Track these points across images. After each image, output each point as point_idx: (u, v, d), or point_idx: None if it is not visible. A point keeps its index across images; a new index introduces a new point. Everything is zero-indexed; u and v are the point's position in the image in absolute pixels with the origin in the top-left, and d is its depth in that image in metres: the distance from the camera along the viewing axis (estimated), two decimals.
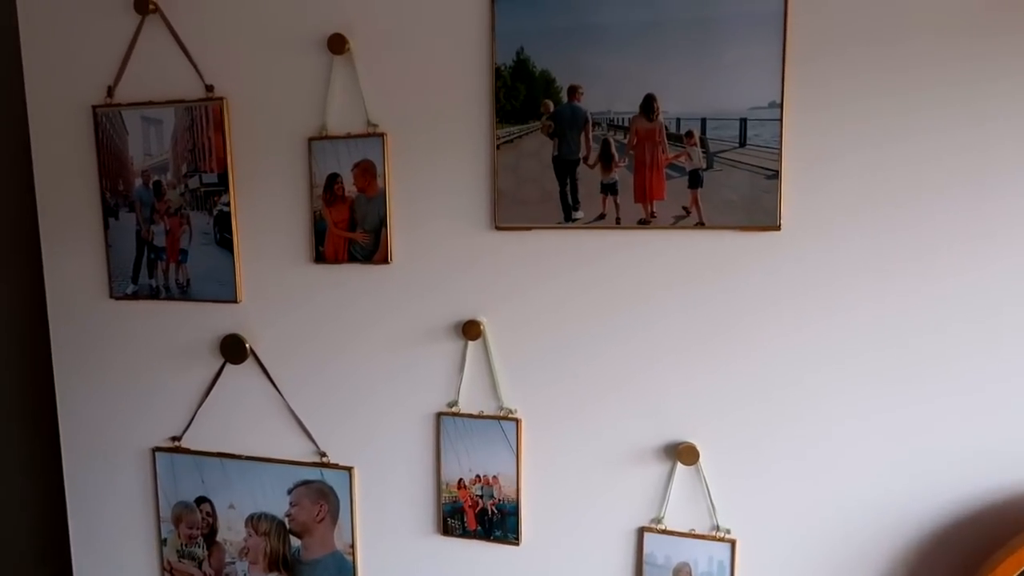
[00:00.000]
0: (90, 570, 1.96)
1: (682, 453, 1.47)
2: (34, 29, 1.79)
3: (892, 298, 1.36)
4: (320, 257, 1.66)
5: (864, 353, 1.38)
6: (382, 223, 1.61)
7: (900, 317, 1.36)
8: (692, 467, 1.49)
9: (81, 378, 1.88)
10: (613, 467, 1.54)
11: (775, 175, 1.38)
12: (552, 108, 1.49)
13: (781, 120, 1.37)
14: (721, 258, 1.43)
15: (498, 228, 1.54)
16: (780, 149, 1.37)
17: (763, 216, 1.40)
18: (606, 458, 1.55)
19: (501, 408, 1.60)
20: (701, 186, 1.42)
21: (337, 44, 1.57)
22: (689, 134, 1.42)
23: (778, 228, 1.39)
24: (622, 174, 1.46)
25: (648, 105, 1.43)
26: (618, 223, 1.47)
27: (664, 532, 1.52)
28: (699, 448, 1.47)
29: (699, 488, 1.50)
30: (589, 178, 1.48)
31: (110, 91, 1.76)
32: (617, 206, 1.47)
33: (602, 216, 1.48)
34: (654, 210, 1.45)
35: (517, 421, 1.58)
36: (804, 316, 1.40)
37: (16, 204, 2.41)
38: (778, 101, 1.37)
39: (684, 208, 1.43)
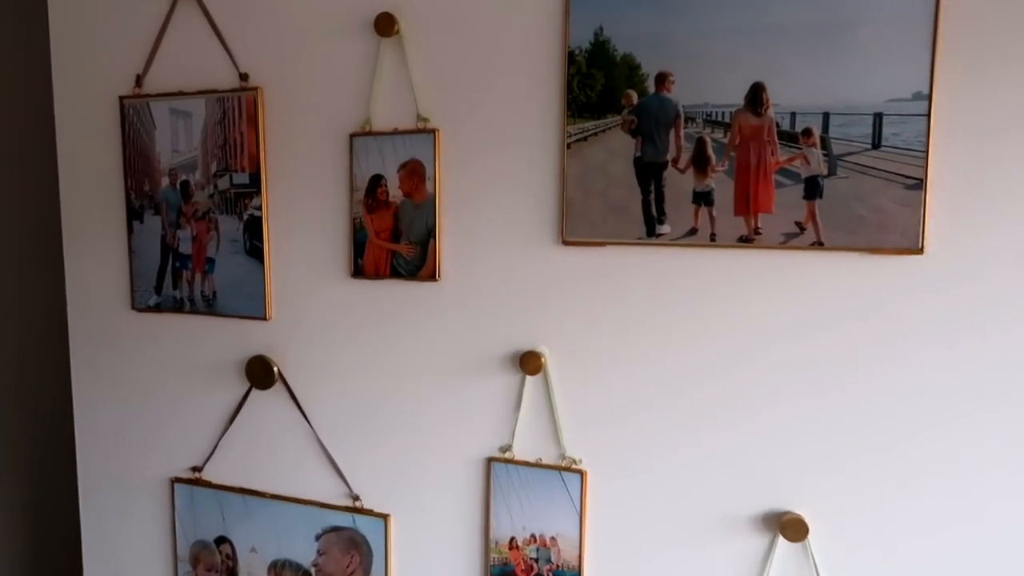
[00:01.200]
0: None
1: (786, 526, 1.17)
2: (62, 14, 1.61)
3: None
4: (359, 271, 1.42)
5: None
6: (430, 234, 1.36)
7: None
8: (798, 544, 1.19)
9: (99, 396, 1.68)
10: (696, 536, 1.25)
11: (918, 184, 1.08)
12: (635, 100, 1.21)
13: (929, 115, 1.07)
14: (844, 287, 1.13)
15: (566, 243, 1.27)
16: (927, 152, 1.07)
17: (901, 236, 1.09)
18: (688, 524, 1.26)
19: (563, 457, 1.32)
20: (820, 197, 1.13)
21: (385, 25, 1.33)
22: (807, 132, 1.13)
23: (920, 251, 1.08)
24: (720, 180, 1.18)
25: (755, 96, 1.15)
26: (713, 240, 1.19)
27: None
28: (808, 521, 1.17)
29: (807, 571, 1.19)
30: (678, 185, 1.20)
31: (138, 80, 1.56)
32: (713, 219, 1.19)
33: (693, 231, 1.20)
34: (759, 225, 1.16)
35: (582, 473, 1.30)
36: (952, 362, 1.09)
37: (39, 205, 2.27)
38: (926, 91, 1.07)
39: (798, 224, 1.14)
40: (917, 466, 1.12)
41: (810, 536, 1.17)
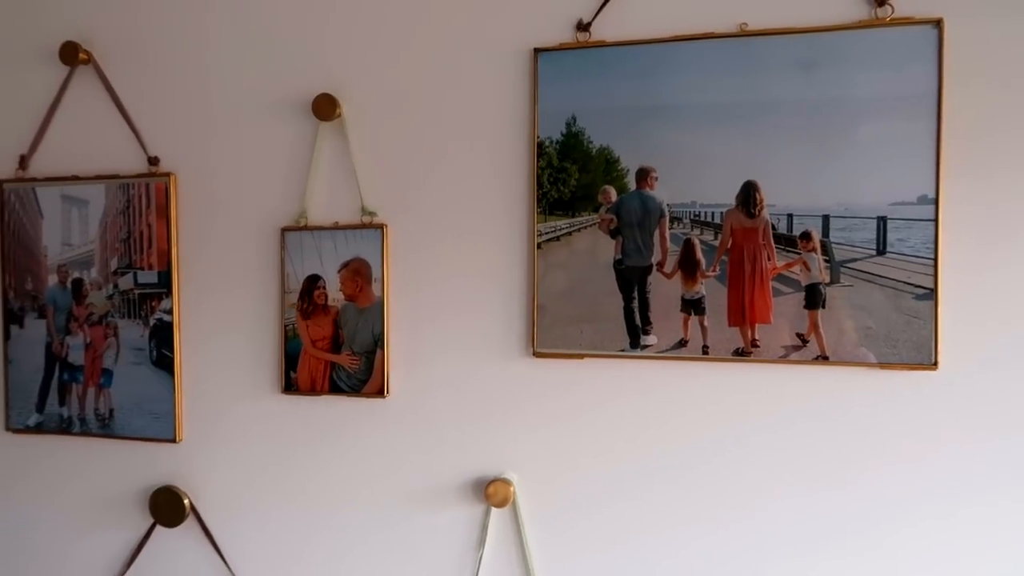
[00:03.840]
0: None
1: None
2: None
3: None
4: (291, 386, 1.17)
5: None
6: (377, 343, 1.14)
7: None
8: None
9: None
10: None
11: (929, 294, 0.96)
12: (614, 197, 1.05)
13: (936, 220, 0.95)
14: (853, 407, 0.98)
15: (537, 355, 1.08)
16: (936, 259, 0.95)
17: (913, 350, 0.96)
18: None
19: None
20: (823, 306, 0.99)
21: (325, 107, 1.13)
22: (805, 236, 1.00)
23: (935, 366, 0.95)
24: (711, 287, 1.03)
25: (748, 195, 1.01)
26: (705, 353, 1.03)
27: None
28: None
29: None
30: (665, 291, 1.04)
31: (23, 161, 1.28)
32: (704, 330, 1.03)
33: (683, 343, 1.03)
34: (756, 337, 1.01)
35: None
36: (973, 489, 0.96)
37: None
38: (932, 195, 0.96)
39: (799, 335, 1.00)
40: None
41: None
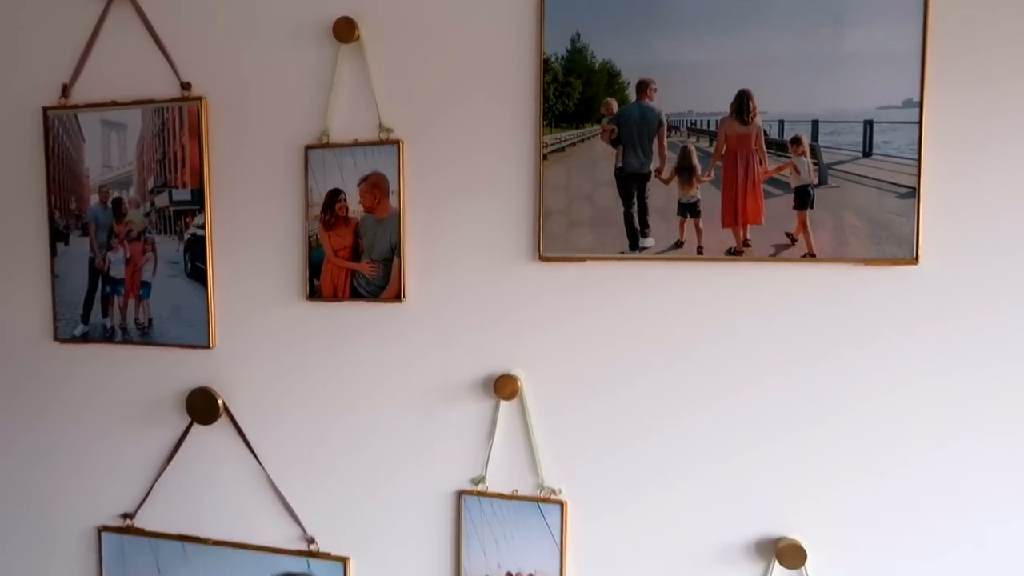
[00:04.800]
0: None
1: (783, 553, 1.05)
2: None
3: None
4: (315, 292, 1.25)
5: None
6: (394, 251, 1.21)
7: None
8: (796, 572, 1.07)
9: (15, 437, 1.43)
10: (687, 567, 1.11)
11: (911, 193, 1.00)
12: (616, 108, 1.10)
13: (920, 123, 0.99)
14: (838, 301, 1.03)
15: (543, 259, 1.14)
16: (919, 160, 0.99)
17: (895, 246, 1.01)
18: (677, 555, 1.12)
19: (541, 487, 1.17)
20: (811, 207, 1.04)
21: (344, 30, 1.18)
22: (796, 141, 1.04)
23: (915, 261, 1.00)
24: (706, 191, 1.07)
25: (742, 104, 1.05)
26: (700, 253, 1.08)
27: None
28: (806, 547, 1.06)
29: None
30: (663, 196, 1.09)
31: (65, 90, 1.35)
32: (699, 232, 1.08)
33: (679, 244, 1.09)
34: (748, 237, 1.06)
35: (562, 504, 1.16)
36: (951, 374, 1.00)
37: None
38: (916, 98, 0.99)
39: (788, 235, 1.05)
40: (916, 485, 1.02)
41: (808, 564, 1.06)
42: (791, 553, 1.04)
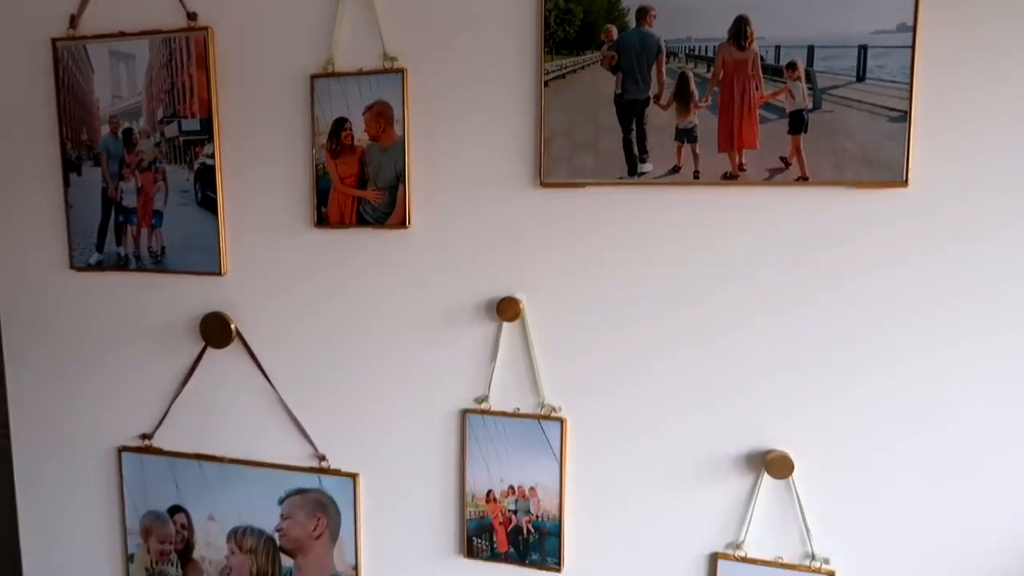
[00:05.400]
0: None
1: (772, 464, 1.10)
2: None
3: None
4: (323, 220, 1.27)
5: (1016, 343, 1.02)
6: (399, 179, 1.23)
7: None
8: (783, 481, 1.12)
9: (36, 363, 1.47)
10: (681, 479, 1.17)
11: (903, 117, 1.02)
12: (616, 35, 1.11)
13: (913, 47, 1.00)
14: (829, 223, 1.06)
15: (544, 185, 1.16)
16: (911, 84, 1.01)
17: (885, 169, 1.03)
18: (672, 468, 1.17)
19: (542, 405, 1.22)
20: (805, 131, 1.05)
21: None
22: (792, 66, 1.05)
23: (905, 183, 1.02)
24: (703, 117, 1.09)
25: (739, 30, 1.06)
26: (697, 178, 1.10)
27: (744, 560, 1.15)
28: (793, 458, 1.11)
29: (790, 508, 1.12)
30: (661, 122, 1.11)
31: (73, 20, 1.36)
32: (696, 157, 1.10)
33: (676, 169, 1.11)
34: (744, 161, 1.08)
35: (561, 421, 1.20)
36: (937, 296, 1.03)
37: None
38: (910, 23, 1.00)
39: (782, 159, 1.07)
40: (903, 396, 1.06)
41: (795, 474, 1.11)
42: (779, 464, 1.09)
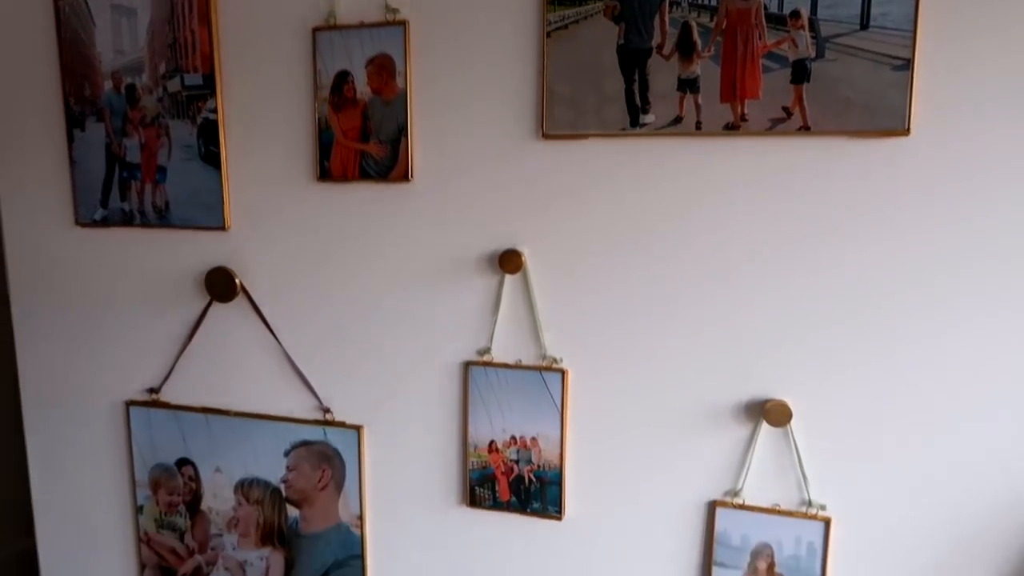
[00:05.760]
0: (57, 540, 1.58)
1: (771, 412, 1.11)
2: None
3: None
4: (325, 174, 1.27)
5: (1017, 292, 1.02)
6: (401, 132, 1.23)
7: None
8: (781, 430, 1.13)
9: (43, 319, 1.48)
10: (680, 428, 1.18)
11: (905, 65, 1.01)
12: None
13: None
14: (830, 172, 1.06)
15: (546, 137, 1.16)
16: (914, 31, 1.00)
17: (887, 118, 1.02)
18: (672, 417, 1.18)
19: (544, 357, 1.23)
20: (808, 80, 1.05)
21: None
22: (795, 14, 1.04)
23: (906, 132, 1.01)
24: (706, 67, 1.08)
25: None
26: (699, 128, 1.10)
27: (742, 507, 1.16)
28: (792, 406, 1.12)
29: (788, 456, 1.14)
30: (663, 72, 1.10)
31: None
32: (698, 107, 1.09)
33: (678, 120, 1.11)
34: (746, 112, 1.08)
35: (563, 372, 1.21)
36: (938, 245, 1.03)
37: None
38: None
39: (784, 109, 1.06)
40: (901, 345, 1.07)
41: (793, 421, 1.12)
42: (777, 412, 1.10)
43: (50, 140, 1.41)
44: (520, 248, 1.20)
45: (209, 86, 1.30)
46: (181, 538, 1.48)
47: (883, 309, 1.07)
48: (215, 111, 1.31)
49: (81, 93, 1.38)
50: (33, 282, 1.47)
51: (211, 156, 1.32)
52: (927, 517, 1.10)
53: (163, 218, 1.37)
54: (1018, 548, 1.08)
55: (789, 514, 1.14)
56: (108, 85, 1.36)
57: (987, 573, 1.10)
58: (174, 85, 1.33)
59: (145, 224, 1.38)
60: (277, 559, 1.42)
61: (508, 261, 1.19)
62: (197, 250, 1.36)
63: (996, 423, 1.05)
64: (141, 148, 1.36)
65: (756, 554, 1.16)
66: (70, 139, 1.40)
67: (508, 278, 1.21)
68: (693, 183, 1.11)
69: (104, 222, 1.41)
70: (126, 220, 1.39)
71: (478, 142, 1.19)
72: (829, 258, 1.08)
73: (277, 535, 1.41)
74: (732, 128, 1.08)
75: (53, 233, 1.44)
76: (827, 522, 1.12)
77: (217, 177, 1.32)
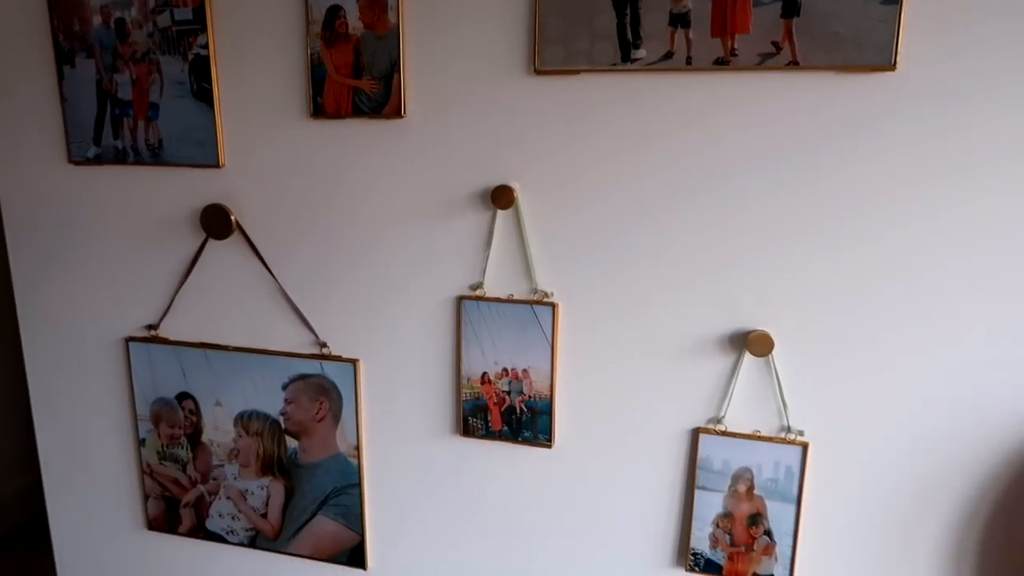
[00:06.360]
0: (62, 475, 1.62)
1: (753, 342, 1.15)
2: None
3: None
4: (319, 110, 1.27)
5: (998, 230, 1.05)
6: (394, 68, 1.22)
7: None
8: (763, 360, 1.17)
9: (39, 258, 1.49)
10: (667, 359, 1.22)
11: None
12: None
13: None
14: (817, 108, 1.07)
15: (538, 72, 1.16)
16: None
17: (874, 52, 1.03)
18: (659, 349, 1.22)
19: (535, 291, 1.25)
20: (798, 15, 1.05)
21: None
22: None
23: (893, 67, 1.03)
24: (697, 2, 1.09)
25: None
26: (689, 63, 1.10)
27: (724, 434, 1.21)
28: (774, 337, 1.15)
29: (769, 384, 1.18)
30: (655, 7, 1.10)
31: None
32: (689, 42, 1.10)
33: (669, 55, 1.11)
34: (736, 47, 1.08)
35: (554, 306, 1.24)
36: (921, 181, 1.06)
37: None
38: None
39: (774, 44, 1.07)
40: (882, 278, 1.10)
41: (775, 350, 1.16)
42: (760, 342, 1.14)
43: (40, 77, 1.39)
44: (512, 184, 1.21)
45: (199, 21, 1.29)
46: (183, 469, 1.52)
47: (865, 243, 1.10)
48: (206, 47, 1.30)
49: (70, 28, 1.36)
50: (28, 221, 1.47)
51: (203, 93, 1.32)
52: (900, 444, 1.15)
53: (157, 156, 1.37)
54: (983, 475, 1.13)
55: (769, 440, 1.19)
56: (97, 20, 1.34)
57: (954, 498, 1.15)
58: (164, 20, 1.31)
59: (139, 162, 1.38)
60: (278, 488, 1.46)
61: (500, 196, 1.20)
62: (192, 188, 1.37)
63: (971, 358, 1.09)
64: (132, 85, 1.35)
65: (736, 478, 1.21)
66: (60, 76, 1.38)
67: (500, 213, 1.23)
68: (683, 118, 1.12)
69: (97, 160, 1.40)
70: (119, 158, 1.39)
71: (470, 78, 1.19)
72: (815, 193, 1.10)
73: (277, 465, 1.46)
74: (722, 63, 1.09)
75: (47, 172, 1.44)
76: (804, 447, 1.17)
77: (210, 114, 1.32)
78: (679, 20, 1.09)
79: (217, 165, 1.33)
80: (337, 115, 1.26)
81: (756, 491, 1.21)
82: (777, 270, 1.13)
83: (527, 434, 1.30)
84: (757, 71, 1.08)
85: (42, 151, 1.43)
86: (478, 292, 1.27)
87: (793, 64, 1.06)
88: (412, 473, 1.39)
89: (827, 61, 1.04)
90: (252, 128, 1.31)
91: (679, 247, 1.16)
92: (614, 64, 1.12)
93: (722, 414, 1.20)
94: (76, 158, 1.41)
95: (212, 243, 1.38)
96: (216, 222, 1.35)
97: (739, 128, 1.10)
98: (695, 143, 1.12)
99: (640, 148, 1.14)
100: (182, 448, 1.51)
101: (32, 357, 1.56)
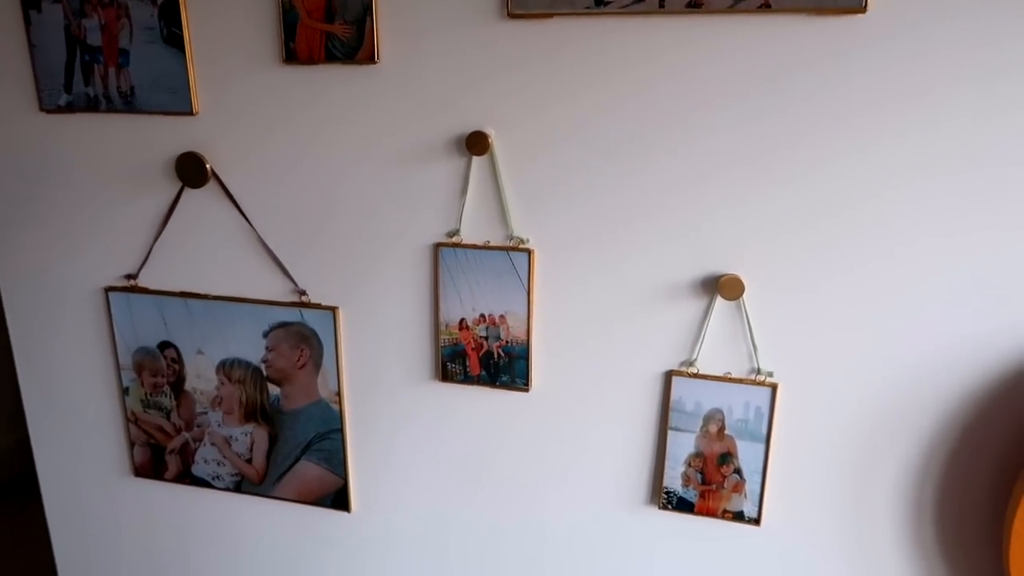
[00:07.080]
0: (48, 427, 1.63)
1: (724, 286, 1.16)
2: None
3: (1010, 106, 1.02)
4: (291, 56, 1.26)
5: (960, 172, 1.05)
6: (366, 11, 1.20)
7: (1016, 130, 1.03)
8: (734, 303, 1.19)
9: (14, 207, 1.48)
10: (640, 304, 1.23)
11: None
12: None
13: None
14: (788, 51, 1.07)
15: (511, 16, 1.15)
16: None
17: None
18: (632, 294, 1.23)
19: (511, 237, 1.26)
20: None
21: None
22: None
23: (863, 9, 1.02)
24: None
25: None
26: (662, 7, 1.09)
27: (696, 376, 1.23)
28: (745, 280, 1.17)
29: (739, 327, 1.20)
30: None
31: None
32: None
33: None
34: None
35: (529, 252, 1.25)
36: (889, 124, 1.06)
37: None
38: None
39: None
40: (850, 224, 1.11)
41: (746, 294, 1.18)
42: (731, 285, 1.15)
43: (6, 22, 1.36)
44: (487, 129, 1.21)
45: None
46: (168, 417, 1.53)
47: (835, 187, 1.11)
48: None
49: None
50: (1, 171, 1.46)
51: (173, 38, 1.29)
52: (865, 387, 1.18)
53: (129, 103, 1.35)
54: (945, 414, 1.17)
55: (739, 381, 1.21)
56: None
57: (918, 438, 1.19)
58: None
59: (111, 109, 1.36)
60: (261, 434, 1.48)
61: (475, 143, 1.20)
62: (166, 135, 1.35)
63: (938, 304, 1.12)
64: (101, 30, 1.32)
65: (708, 419, 1.24)
66: (27, 21, 1.35)
67: (476, 160, 1.22)
68: (655, 63, 1.12)
69: (69, 108, 1.38)
70: (91, 106, 1.37)
71: (443, 22, 1.18)
72: (785, 137, 1.10)
73: (260, 412, 1.47)
74: (695, 6, 1.08)
75: (18, 119, 1.41)
76: (774, 388, 1.20)
77: (182, 60, 1.30)
78: None
79: (190, 112, 1.32)
80: (310, 61, 1.24)
81: (727, 431, 1.24)
82: (748, 214, 1.14)
83: (504, 378, 1.32)
84: (729, 14, 1.07)
85: (13, 99, 1.40)
86: (455, 239, 1.28)
87: (765, 7, 1.05)
88: (393, 418, 1.41)
89: (798, 4, 1.04)
90: (224, 75, 1.29)
91: (652, 193, 1.17)
92: (587, 8, 1.11)
93: (694, 357, 1.23)
94: (48, 106, 1.39)
95: (188, 192, 1.37)
96: (191, 170, 1.34)
97: (711, 71, 1.10)
98: (668, 88, 1.12)
99: (613, 92, 1.14)
100: (165, 396, 1.52)
101: (13, 310, 1.56)
